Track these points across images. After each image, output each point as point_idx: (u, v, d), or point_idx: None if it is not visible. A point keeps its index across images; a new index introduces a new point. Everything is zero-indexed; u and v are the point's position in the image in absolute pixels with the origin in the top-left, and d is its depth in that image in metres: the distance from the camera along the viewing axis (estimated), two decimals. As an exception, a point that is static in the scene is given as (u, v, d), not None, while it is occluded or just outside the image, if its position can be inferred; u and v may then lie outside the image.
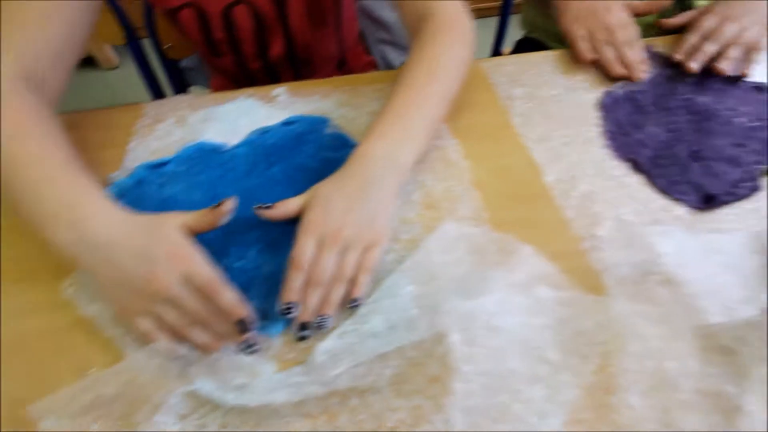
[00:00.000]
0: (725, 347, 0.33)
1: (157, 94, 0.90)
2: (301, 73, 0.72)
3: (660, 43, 0.62)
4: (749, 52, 0.56)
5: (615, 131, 0.52)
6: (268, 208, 0.39)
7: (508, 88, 0.57)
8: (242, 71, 0.67)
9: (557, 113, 0.54)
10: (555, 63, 0.61)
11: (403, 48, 0.96)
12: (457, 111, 0.53)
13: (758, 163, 0.48)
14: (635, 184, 0.47)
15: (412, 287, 0.37)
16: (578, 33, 0.60)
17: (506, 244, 0.39)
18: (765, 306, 0.33)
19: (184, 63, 0.85)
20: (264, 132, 0.50)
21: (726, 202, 0.45)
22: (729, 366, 0.32)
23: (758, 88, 0.56)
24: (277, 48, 0.64)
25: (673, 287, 0.34)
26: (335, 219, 0.37)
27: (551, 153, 0.49)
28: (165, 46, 0.79)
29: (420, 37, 0.49)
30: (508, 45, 1.01)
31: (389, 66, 0.95)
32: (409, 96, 0.44)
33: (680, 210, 0.45)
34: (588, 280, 0.38)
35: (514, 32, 0.95)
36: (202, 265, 0.34)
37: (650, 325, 0.34)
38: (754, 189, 0.46)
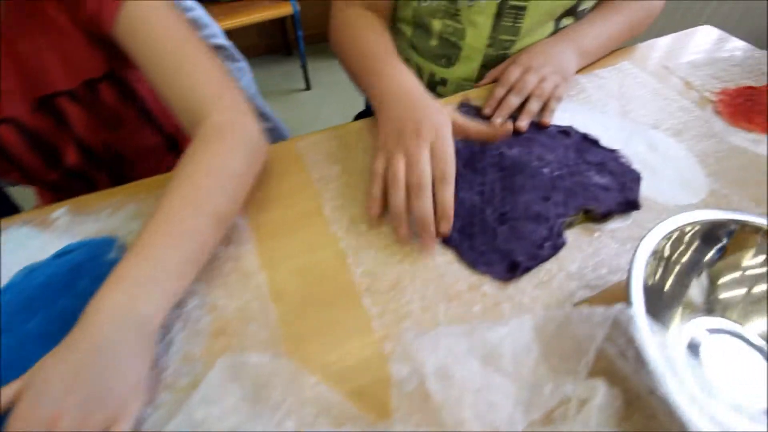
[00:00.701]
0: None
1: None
2: (121, 169, 0.65)
3: (475, 96, 0.63)
4: (549, 102, 0.57)
5: (427, 203, 0.50)
6: None
7: (323, 168, 0.54)
8: (42, 184, 0.60)
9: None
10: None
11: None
12: (260, 205, 0.49)
13: (561, 216, 0.47)
14: (444, 263, 0.45)
15: (175, 457, 0.31)
16: (375, 166, 0.46)
17: (289, 376, 0.35)
18: (534, 418, 0.31)
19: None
20: (31, 271, 0.43)
21: (530, 268, 0.44)
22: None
23: (565, 132, 0.57)
24: (71, 157, 0.57)
25: (445, 409, 0.31)
26: (50, 406, 0.30)
27: (361, 239, 0.47)
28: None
29: (190, 145, 0.44)
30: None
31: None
32: (159, 226, 0.38)
33: (488, 285, 0.43)
34: (379, 398, 0.35)
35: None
36: None
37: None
38: (557, 247, 0.45)
